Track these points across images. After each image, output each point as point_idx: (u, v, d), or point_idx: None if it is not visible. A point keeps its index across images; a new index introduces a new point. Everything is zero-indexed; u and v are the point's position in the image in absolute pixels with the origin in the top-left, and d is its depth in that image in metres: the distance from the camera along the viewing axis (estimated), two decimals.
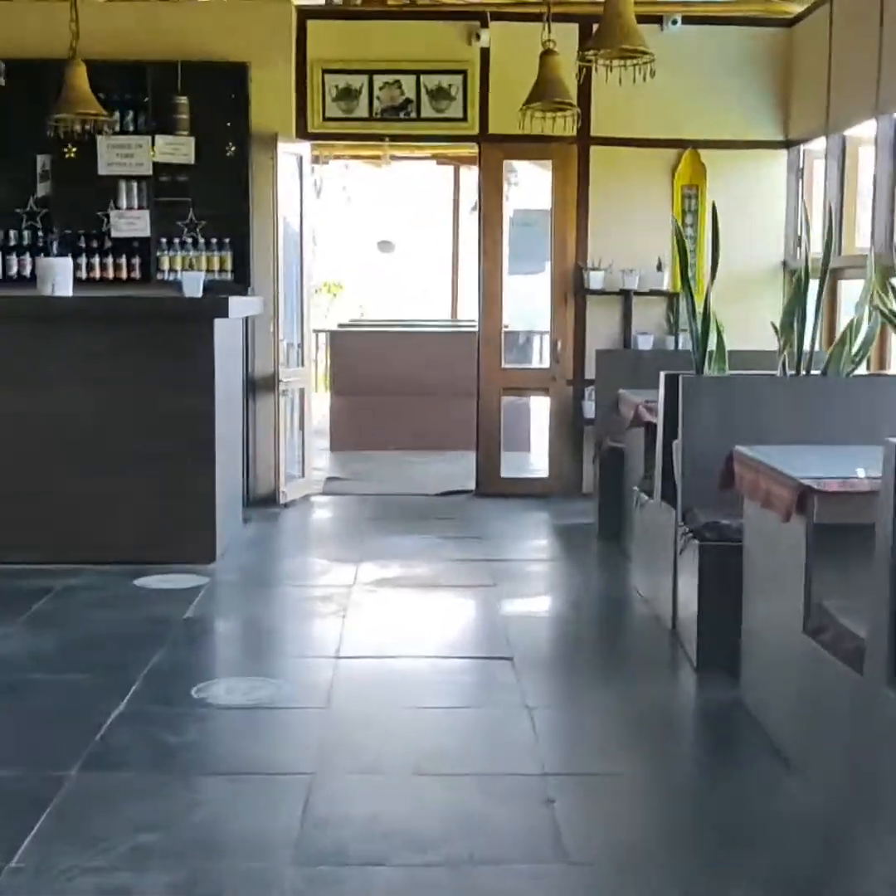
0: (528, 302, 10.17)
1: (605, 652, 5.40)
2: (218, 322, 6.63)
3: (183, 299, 6.93)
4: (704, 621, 4.90)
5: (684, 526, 5.21)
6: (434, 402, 11.23)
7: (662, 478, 5.72)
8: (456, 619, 5.92)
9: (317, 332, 15.78)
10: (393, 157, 16.86)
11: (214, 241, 8.48)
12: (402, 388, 11.22)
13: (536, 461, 10.20)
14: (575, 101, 7.61)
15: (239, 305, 7.04)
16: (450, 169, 17.07)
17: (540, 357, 11.62)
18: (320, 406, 11.98)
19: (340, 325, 13.08)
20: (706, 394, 5.33)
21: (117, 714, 4.38)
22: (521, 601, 6.09)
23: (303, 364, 8.79)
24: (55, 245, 8.00)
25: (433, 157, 16.84)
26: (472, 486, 9.18)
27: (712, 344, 5.61)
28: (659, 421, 5.82)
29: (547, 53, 7.38)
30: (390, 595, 6.14)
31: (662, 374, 5.71)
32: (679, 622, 5.33)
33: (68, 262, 6.94)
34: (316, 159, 16.73)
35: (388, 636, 5.46)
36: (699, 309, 5.64)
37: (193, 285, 6.92)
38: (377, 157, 17.12)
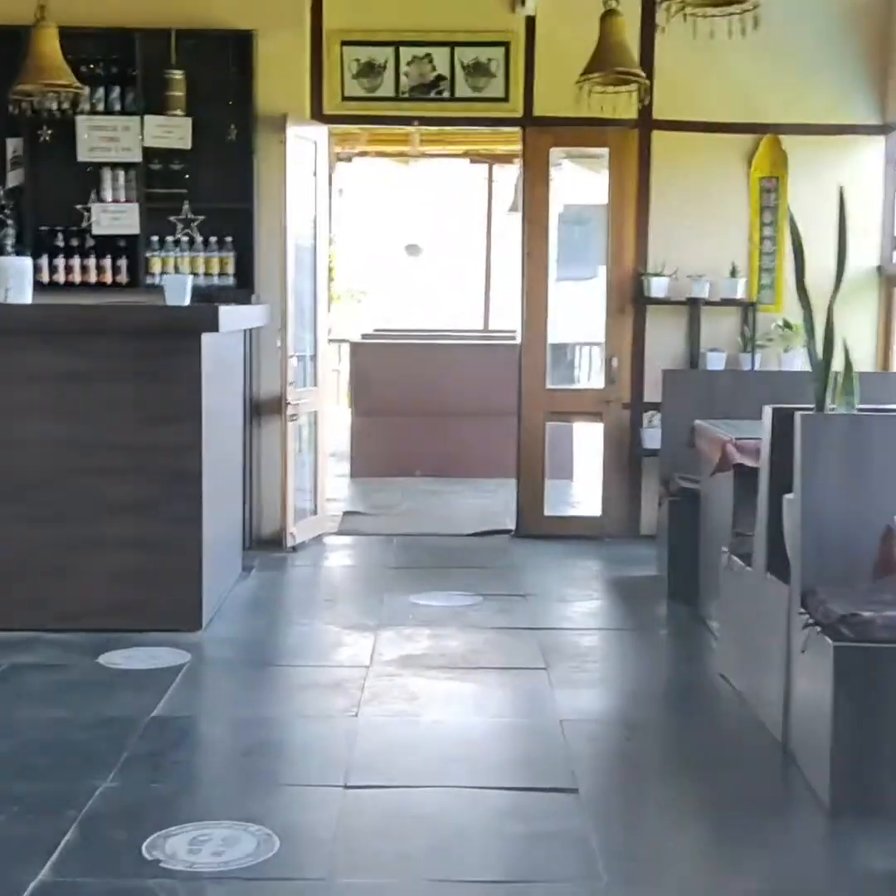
0: (579, 312, 8.87)
1: (702, 782, 4.00)
2: (207, 337, 5.35)
3: (164, 309, 5.65)
4: (842, 750, 3.59)
5: (806, 614, 3.89)
6: (466, 424, 9.94)
7: (768, 541, 4.40)
8: (500, 724, 4.55)
9: (337, 342, 14.58)
10: (423, 154, 15.62)
11: (214, 240, 7.21)
12: (430, 408, 9.94)
13: (583, 495, 8.89)
14: (642, 72, 6.33)
15: (234, 316, 5.77)
16: (484, 167, 15.81)
17: (591, 375, 10.32)
18: (339, 428, 10.74)
19: (364, 336, 11.80)
20: (835, 438, 4.01)
21: (33, 888, 3.11)
22: (581, 695, 4.76)
23: (316, 383, 7.52)
24: (10, 243, 6.72)
25: (466, 154, 15.59)
26: (510, 524, 7.90)
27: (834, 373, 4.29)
28: (762, 467, 4.50)
29: (609, 14, 6.11)
30: (416, 683, 4.82)
31: (768, 410, 4.39)
32: (795, 739, 4.01)
33: (26, 262, 5.66)
34: (339, 157, 15.57)
35: (411, 751, 4.14)
36: (817, 327, 4.34)
37: (178, 291, 5.65)
38: (404, 154, 15.88)
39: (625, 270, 7.52)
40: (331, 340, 16.14)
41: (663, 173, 7.49)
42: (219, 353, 5.72)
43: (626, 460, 7.61)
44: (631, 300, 7.53)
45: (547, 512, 7.68)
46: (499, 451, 9.78)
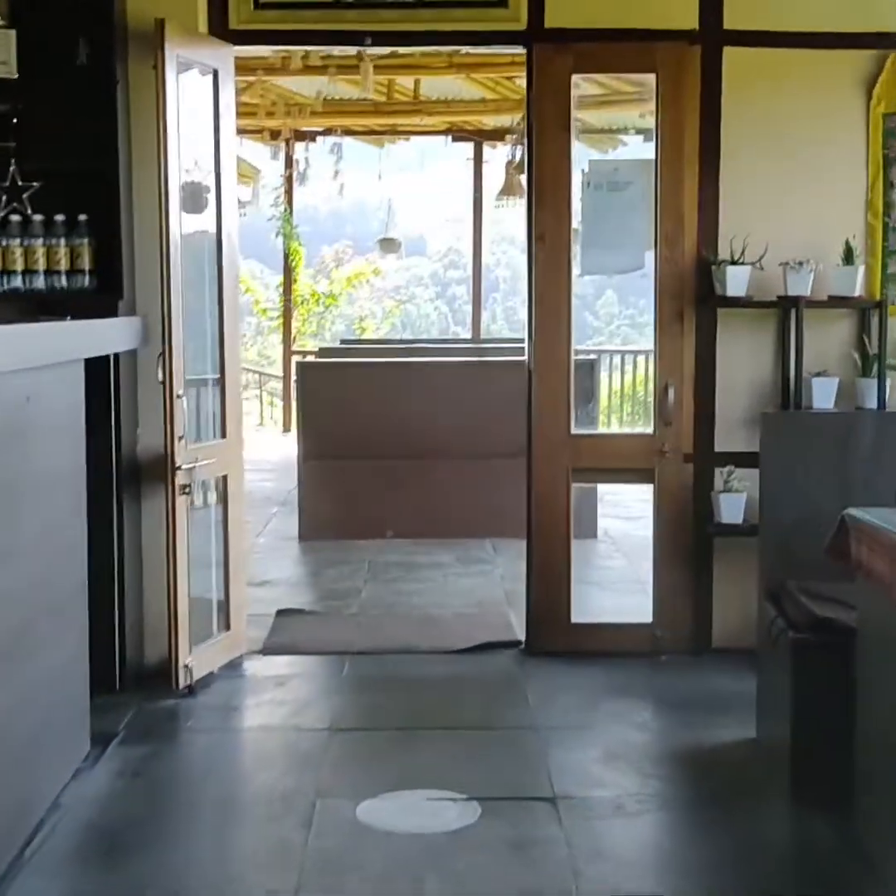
0: (615, 321, 6.29)
1: None
2: None
3: None
4: None
5: None
6: (454, 468, 7.39)
7: None
8: None
9: (300, 354, 11.99)
10: (394, 129, 13.04)
11: (60, 219, 4.63)
12: (406, 448, 7.37)
13: (625, 586, 6.33)
14: None
15: (37, 340, 3.22)
16: (468, 147, 13.24)
17: (636, 412, 7.75)
18: (286, 475, 8.23)
19: (320, 354, 9.22)
20: None
21: None
22: None
23: (225, 433, 4.94)
24: None
25: (449, 130, 13.03)
26: (517, 623, 5.36)
27: None
28: None
29: None
30: None
31: None
32: None
33: None
34: (299, 137, 12.99)
35: None
36: None
37: None
38: (376, 133, 13.31)
39: (684, 258, 4.96)
40: (294, 353, 13.61)
41: (739, 110, 4.93)
42: (30, 402, 3.18)
43: (690, 540, 5.06)
44: (693, 301, 4.98)
45: (574, 617, 5.10)
46: (497, 503, 7.29)
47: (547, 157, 4.96)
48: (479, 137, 12.74)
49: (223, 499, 4.89)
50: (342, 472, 7.36)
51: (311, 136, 12.56)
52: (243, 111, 11.34)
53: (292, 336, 12.76)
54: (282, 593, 6.12)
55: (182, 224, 4.57)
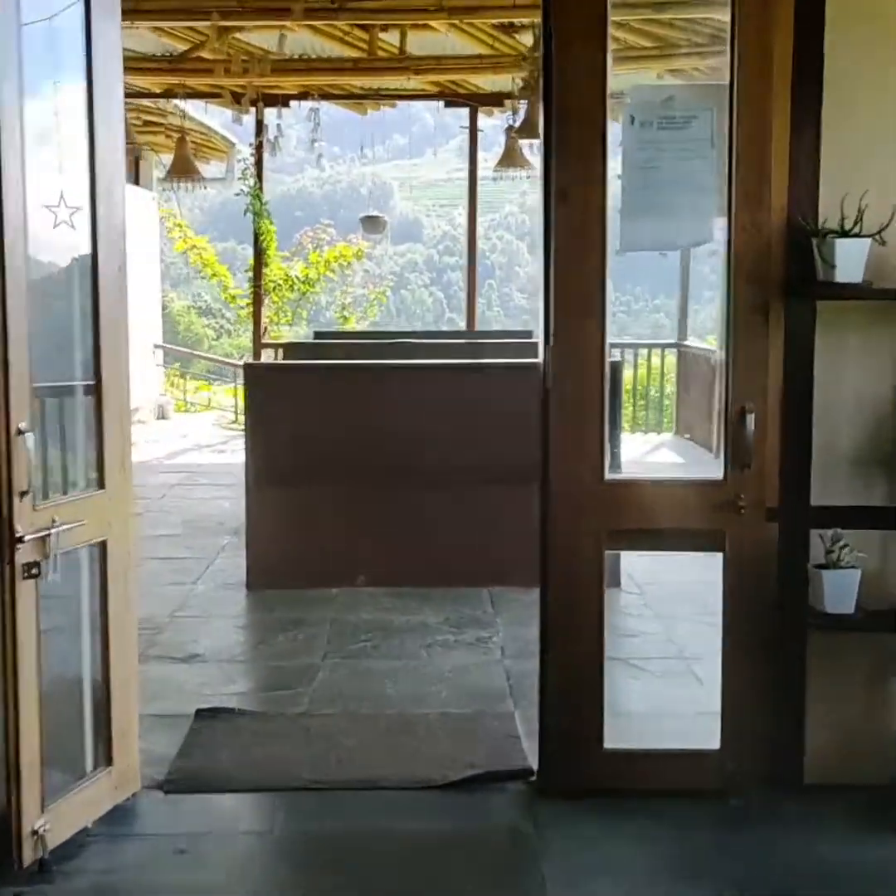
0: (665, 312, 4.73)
1: None
2: None
3: None
4: None
5: None
6: (441, 498, 5.82)
7: None
8: None
9: (273, 347, 10.37)
10: (378, 92, 11.40)
11: None
12: (381, 472, 5.80)
13: (663, 660, 4.76)
14: None
15: None
16: (463, 113, 11.62)
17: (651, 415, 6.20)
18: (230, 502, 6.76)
19: (288, 351, 7.61)
20: None
21: None
22: None
23: (103, 482, 3.35)
24: None
25: (440, 94, 11.39)
26: (526, 739, 3.81)
27: None
28: None
29: None
30: None
31: None
32: None
33: None
34: (270, 102, 11.36)
35: None
36: None
37: None
38: (357, 97, 11.67)
39: (769, 226, 3.38)
40: (265, 346, 11.99)
41: (851, 17, 3.37)
42: None
43: (774, 632, 3.49)
44: (783, 289, 3.41)
45: (608, 742, 3.53)
46: (496, 543, 5.77)
47: (571, 79, 3.37)
48: (475, 102, 11.14)
49: (101, 578, 3.31)
50: (301, 502, 5.78)
51: (283, 101, 10.96)
52: (198, 67, 9.75)
53: (263, 326, 11.16)
54: (210, 676, 4.56)
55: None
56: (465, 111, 11.43)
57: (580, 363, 3.45)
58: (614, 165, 3.44)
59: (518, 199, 49.91)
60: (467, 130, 11.29)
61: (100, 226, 3.27)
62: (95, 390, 3.28)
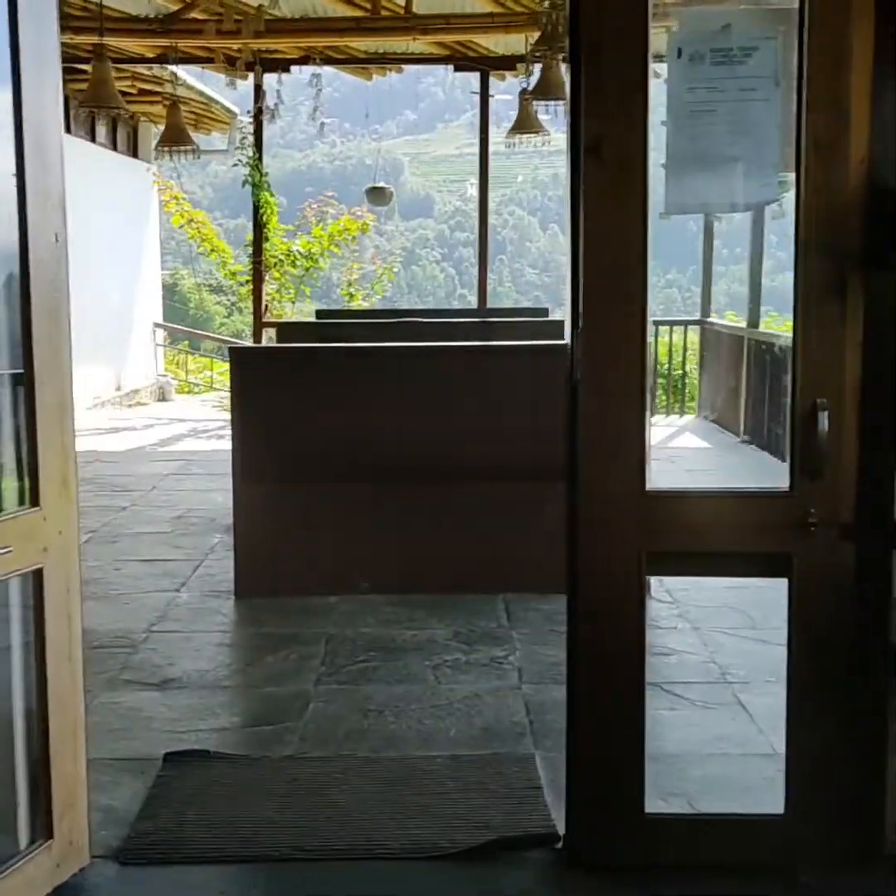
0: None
1: None
2: None
3: None
4: None
5: None
6: (451, 494, 5.22)
7: None
8: None
9: (272, 325, 9.73)
10: (383, 56, 10.72)
11: None
12: (385, 466, 5.20)
13: (705, 685, 4.13)
14: None
15: None
16: (474, 78, 10.95)
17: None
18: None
19: (283, 331, 6.99)
20: None
21: None
22: None
23: (38, 499, 2.75)
24: None
25: (449, 57, 10.72)
26: (550, 791, 3.23)
27: None
28: None
29: None
30: None
31: None
32: None
33: None
34: (269, 67, 10.70)
35: None
36: None
37: None
38: (361, 62, 10.99)
39: (847, 182, 2.76)
40: (266, 325, 11.36)
41: None
42: None
43: (851, 672, 2.88)
44: (861, 263, 2.79)
45: (649, 798, 2.92)
46: (511, 543, 5.19)
47: (606, 3, 2.75)
48: (486, 66, 10.48)
49: (36, 615, 2.72)
50: (295, 501, 5.18)
51: (283, 67, 10.32)
52: (191, 27, 9.10)
53: (264, 304, 10.54)
54: (186, 707, 3.96)
55: None
56: (475, 76, 10.78)
57: (616, 350, 2.83)
58: (658, 111, 2.81)
59: (529, 173, 49.17)
60: (478, 95, 10.61)
61: (29, 189, 2.65)
62: (26, 386, 2.68)
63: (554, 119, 8.39)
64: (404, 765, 3.50)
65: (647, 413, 2.87)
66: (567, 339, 2.96)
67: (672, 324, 11.05)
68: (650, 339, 2.91)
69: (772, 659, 4.40)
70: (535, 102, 8.10)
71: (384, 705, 3.95)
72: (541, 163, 47.95)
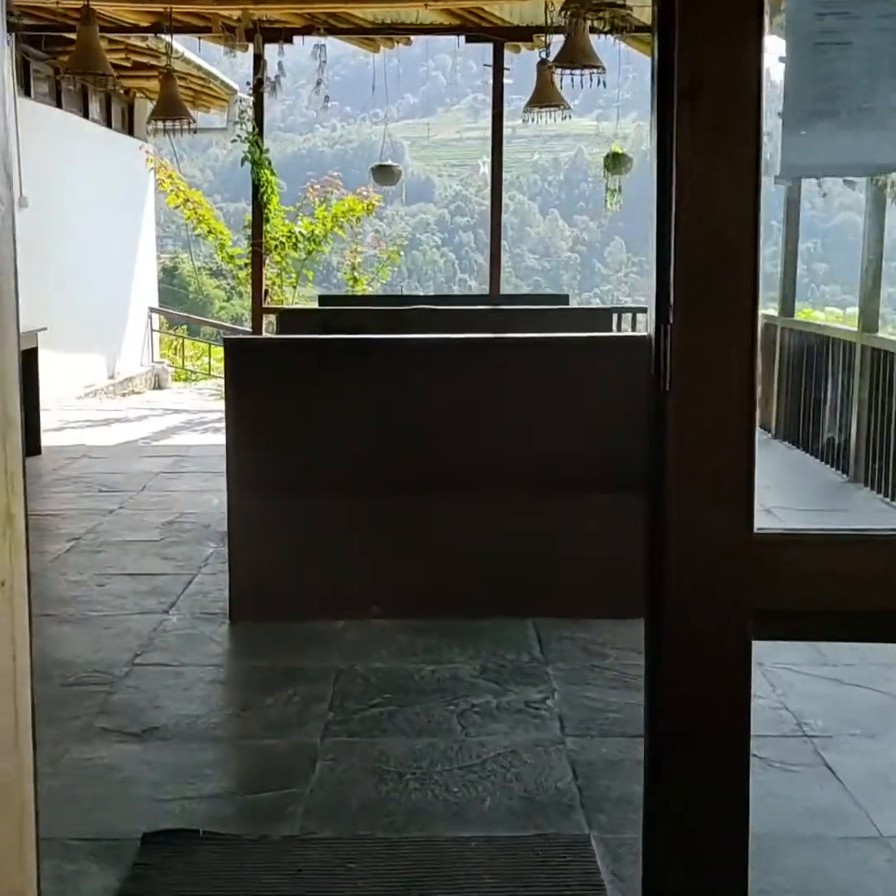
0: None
1: None
2: None
3: None
4: None
5: None
6: (474, 508, 4.58)
7: None
8: None
9: (271, 312, 9.06)
10: (391, 30, 10.05)
11: None
12: (399, 476, 4.56)
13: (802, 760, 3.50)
14: None
15: None
16: (486, 49, 10.27)
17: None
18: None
19: (283, 318, 6.35)
20: None
21: None
22: None
23: None
24: None
25: (461, 27, 10.03)
26: (610, 882, 2.59)
27: None
28: None
29: None
30: None
31: None
32: None
33: None
34: (270, 38, 10.01)
35: None
36: None
37: None
38: (367, 32, 10.32)
39: None
40: (266, 311, 10.70)
41: None
42: None
43: None
44: None
45: None
46: (543, 560, 4.56)
47: None
48: (500, 36, 9.81)
49: None
50: (297, 513, 4.53)
51: (284, 37, 9.65)
52: None
53: (264, 289, 9.89)
54: (170, 766, 3.32)
55: None
56: (488, 48, 10.12)
57: (718, 349, 2.19)
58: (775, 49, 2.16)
59: (528, 159, 48.47)
60: (490, 68, 9.94)
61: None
62: None
63: (576, 90, 7.68)
64: (431, 848, 2.87)
65: (756, 430, 2.23)
66: (648, 337, 2.33)
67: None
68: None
69: (851, 705, 3.80)
70: (558, 69, 7.38)
71: (404, 766, 3.32)
72: (542, 147, 47.31)
